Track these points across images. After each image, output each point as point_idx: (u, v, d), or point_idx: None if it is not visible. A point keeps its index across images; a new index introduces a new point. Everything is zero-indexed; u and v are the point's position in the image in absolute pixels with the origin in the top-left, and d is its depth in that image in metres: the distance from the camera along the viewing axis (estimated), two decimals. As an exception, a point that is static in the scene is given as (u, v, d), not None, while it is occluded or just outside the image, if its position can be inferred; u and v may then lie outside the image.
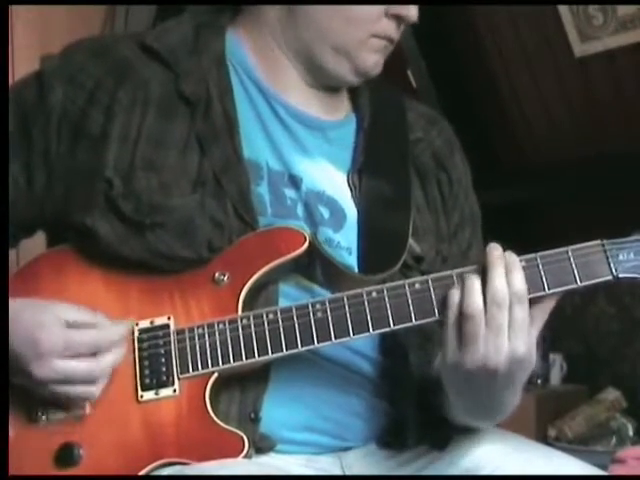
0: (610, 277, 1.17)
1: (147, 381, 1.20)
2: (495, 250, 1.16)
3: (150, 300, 1.24)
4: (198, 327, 1.21)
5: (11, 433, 1.20)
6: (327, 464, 1.27)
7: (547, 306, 1.17)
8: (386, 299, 1.18)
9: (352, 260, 1.32)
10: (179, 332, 1.21)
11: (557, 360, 3.33)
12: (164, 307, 1.23)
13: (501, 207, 3.01)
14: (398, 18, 1.35)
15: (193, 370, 1.20)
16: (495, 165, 3.46)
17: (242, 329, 1.19)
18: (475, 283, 1.14)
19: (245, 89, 1.36)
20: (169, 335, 1.21)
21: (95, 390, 1.19)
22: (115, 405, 1.20)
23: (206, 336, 1.20)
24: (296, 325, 1.19)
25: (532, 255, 1.17)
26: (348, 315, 1.18)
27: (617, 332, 3.28)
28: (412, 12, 1.35)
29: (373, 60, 1.37)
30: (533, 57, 3.27)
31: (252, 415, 1.21)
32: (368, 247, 1.33)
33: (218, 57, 1.36)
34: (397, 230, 1.34)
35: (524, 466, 1.23)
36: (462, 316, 1.14)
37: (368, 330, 1.18)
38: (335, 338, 1.18)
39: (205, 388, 1.19)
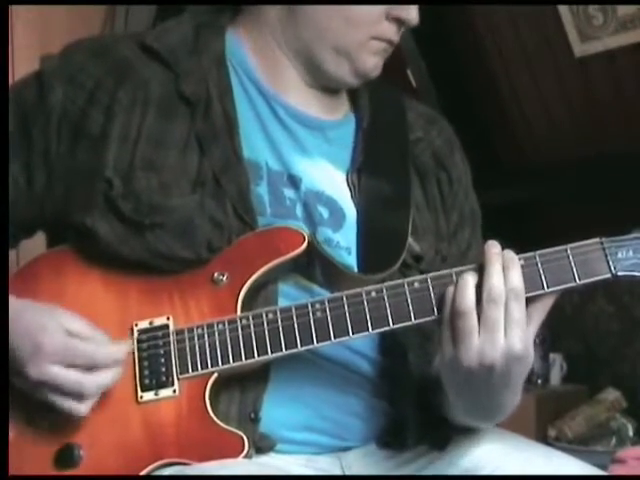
0: (609, 275, 1.17)
1: (147, 382, 1.20)
2: (493, 247, 1.16)
3: (149, 300, 1.24)
4: (197, 327, 1.21)
5: (11, 433, 1.20)
6: (327, 464, 1.27)
7: (545, 304, 1.17)
8: (385, 298, 1.18)
9: (351, 260, 1.32)
10: (178, 332, 1.21)
11: (557, 360, 3.32)
12: (163, 307, 1.23)
13: (501, 207, 3.01)
14: (399, 21, 1.35)
15: (193, 370, 1.20)
16: (495, 165, 3.46)
17: (241, 329, 1.19)
18: (468, 280, 1.14)
19: (245, 89, 1.36)
20: (168, 335, 1.21)
21: (82, 408, 1.17)
22: (115, 406, 1.20)
23: (205, 336, 1.20)
24: (295, 325, 1.19)
25: (531, 253, 1.17)
26: (347, 315, 1.18)
27: (617, 332, 3.28)
28: (413, 15, 1.35)
29: (373, 62, 1.37)
30: (533, 57, 3.27)
31: (252, 415, 1.21)
32: (367, 247, 1.33)
33: (218, 57, 1.36)
34: (396, 230, 1.34)
35: (524, 466, 1.23)
36: (454, 313, 1.14)
37: (367, 329, 1.18)
38: (334, 338, 1.18)
39: (205, 388, 1.19)
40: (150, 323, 1.22)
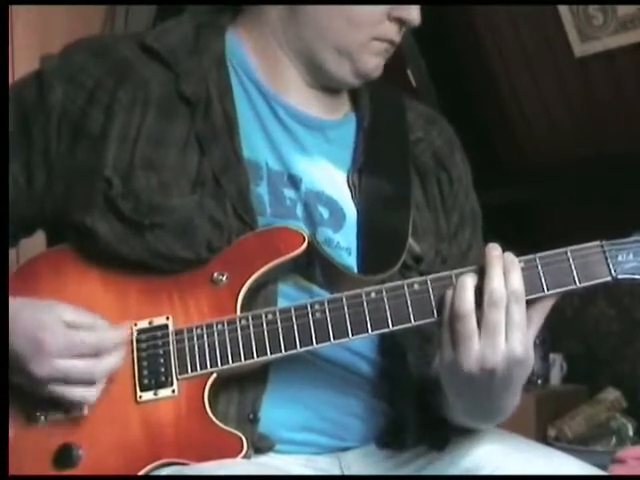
0: (609, 278, 1.17)
1: (146, 381, 1.20)
2: (494, 250, 1.16)
3: (149, 300, 1.24)
4: (197, 327, 1.21)
5: (10, 433, 1.20)
6: (326, 464, 1.27)
7: (545, 307, 1.17)
8: (385, 300, 1.18)
9: (351, 260, 1.31)
10: (178, 332, 1.21)
11: (557, 360, 3.32)
12: (163, 307, 1.23)
13: (501, 207, 3.02)
14: (400, 21, 1.35)
15: (192, 371, 1.19)
16: (495, 165, 3.46)
17: (241, 330, 1.19)
18: (467, 283, 1.14)
19: (245, 89, 1.36)
20: (168, 335, 1.21)
21: (93, 392, 1.18)
22: (114, 405, 1.20)
23: (205, 336, 1.20)
24: (295, 326, 1.19)
25: (531, 256, 1.17)
26: (347, 316, 1.18)
27: (617, 332, 3.28)
28: (414, 15, 1.35)
29: (374, 63, 1.37)
30: (533, 57, 3.27)
31: (251, 416, 1.21)
32: (368, 247, 1.32)
33: (218, 57, 1.36)
34: (397, 230, 1.34)
35: (524, 466, 1.23)
36: (453, 315, 1.14)
37: (367, 331, 1.18)
38: (334, 339, 1.18)
39: (204, 389, 1.19)
40: (149, 323, 1.22)
